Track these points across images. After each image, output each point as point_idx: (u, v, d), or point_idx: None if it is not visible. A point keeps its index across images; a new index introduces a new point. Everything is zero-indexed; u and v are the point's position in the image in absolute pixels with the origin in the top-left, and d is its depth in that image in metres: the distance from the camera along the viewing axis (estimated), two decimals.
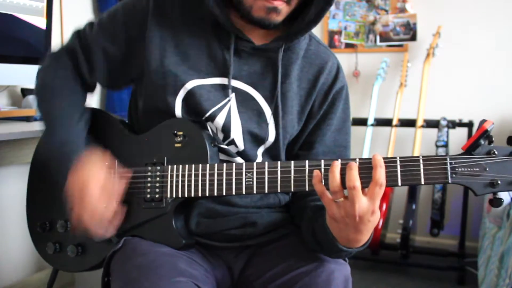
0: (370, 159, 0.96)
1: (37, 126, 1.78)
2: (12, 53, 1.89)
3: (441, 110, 2.95)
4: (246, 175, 1.03)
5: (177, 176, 1.07)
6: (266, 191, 1.02)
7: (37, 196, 1.26)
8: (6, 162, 1.86)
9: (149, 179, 1.10)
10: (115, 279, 1.03)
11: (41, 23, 1.96)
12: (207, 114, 1.11)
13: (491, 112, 2.89)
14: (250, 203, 1.15)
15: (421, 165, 0.94)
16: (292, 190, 1.00)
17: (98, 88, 1.26)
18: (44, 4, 1.96)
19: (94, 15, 2.65)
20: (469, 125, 2.80)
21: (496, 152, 0.91)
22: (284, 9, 1.06)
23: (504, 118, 2.87)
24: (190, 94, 1.10)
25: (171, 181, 1.08)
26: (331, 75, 1.17)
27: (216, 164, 1.05)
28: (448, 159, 0.93)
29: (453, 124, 2.79)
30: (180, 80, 1.10)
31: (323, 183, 0.95)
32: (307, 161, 0.99)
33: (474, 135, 0.91)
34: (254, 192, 1.02)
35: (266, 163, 1.02)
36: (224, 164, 1.05)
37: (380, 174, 0.91)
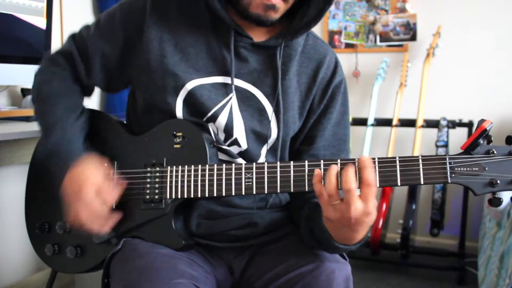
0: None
1: (37, 126, 1.78)
2: (12, 53, 1.89)
3: (441, 110, 2.95)
4: (245, 175, 1.02)
5: (177, 177, 1.07)
6: (266, 192, 1.02)
7: (35, 197, 1.25)
8: (6, 162, 1.86)
9: (148, 180, 1.10)
10: (115, 280, 1.03)
11: (41, 23, 1.96)
12: (209, 114, 1.11)
13: (491, 112, 2.89)
14: (251, 204, 1.15)
15: (421, 165, 0.94)
16: (292, 190, 1.00)
17: (98, 88, 1.25)
18: (44, 4, 1.95)
19: (94, 15, 2.65)
20: (469, 125, 2.80)
21: (495, 152, 0.91)
22: (281, 7, 1.06)
23: (504, 118, 2.87)
24: (190, 94, 1.10)
25: (171, 182, 1.08)
26: (330, 69, 1.18)
27: (215, 165, 1.05)
28: (447, 159, 0.93)
29: (453, 124, 2.79)
30: (180, 80, 1.10)
31: (322, 183, 0.95)
32: (306, 161, 1.00)
33: (473, 135, 0.91)
34: (254, 192, 1.02)
35: (266, 163, 1.02)
36: (224, 165, 1.05)
37: (369, 174, 0.92)
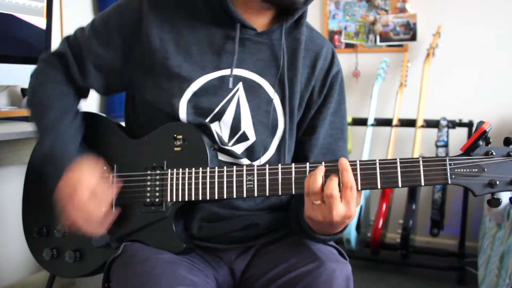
0: (369, 160, 0.97)
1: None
2: (12, 53, 1.89)
3: (441, 110, 2.95)
4: (247, 177, 1.02)
5: (177, 179, 1.07)
6: (267, 194, 1.02)
7: (33, 201, 1.24)
8: (6, 162, 1.85)
9: (148, 183, 1.09)
10: (115, 286, 1.03)
11: (41, 23, 1.96)
12: (216, 110, 1.10)
13: (491, 112, 2.89)
14: (253, 206, 1.14)
15: (421, 166, 0.95)
16: (294, 192, 1.00)
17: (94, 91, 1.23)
18: (44, 4, 1.95)
19: (94, 15, 2.65)
20: (469, 125, 2.80)
21: (494, 153, 0.92)
22: None
23: (504, 118, 2.87)
24: (196, 94, 1.09)
25: (171, 185, 1.07)
26: (327, 60, 1.19)
27: (216, 167, 1.05)
28: (447, 160, 0.94)
29: (453, 124, 2.78)
30: (185, 81, 1.09)
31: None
32: (307, 163, 1.00)
33: (473, 136, 0.92)
34: (255, 195, 1.02)
35: (267, 165, 1.02)
36: (225, 167, 1.04)
37: (348, 177, 0.94)
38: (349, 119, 3.04)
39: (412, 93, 2.95)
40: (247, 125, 1.12)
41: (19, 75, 1.92)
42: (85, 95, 1.22)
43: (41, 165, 1.11)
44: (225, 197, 1.03)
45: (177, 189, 1.06)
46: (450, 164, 0.93)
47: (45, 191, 1.18)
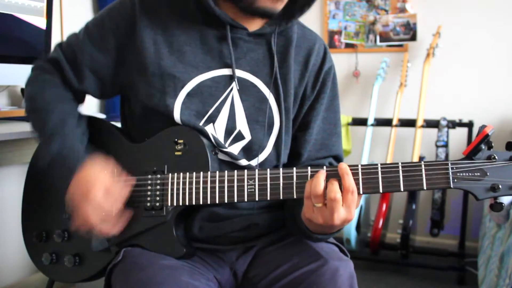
0: (371, 164, 0.97)
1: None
2: (12, 53, 1.89)
3: (441, 110, 2.95)
4: (248, 182, 1.02)
5: (178, 184, 1.06)
6: (268, 198, 1.02)
7: (32, 206, 1.23)
8: (6, 162, 1.86)
9: (149, 187, 1.09)
10: None
11: (41, 23, 1.96)
12: (211, 110, 1.10)
13: (491, 112, 2.89)
14: (254, 205, 1.15)
15: (423, 171, 0.95)
16: (295, 196, 1.00)
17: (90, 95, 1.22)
18: (44, 4, 1.95)
19: (94, 15, 2.64)
20: (469, 125, 2.80)
21: (496, 157, 0.92)
22: None
23: (504, 118, 2.87)
24: (191, 94, 1.10)
25: (172, 189, 1.07)
26: (320, 56, 1.20)
27: (217, 172, 1.04)
28: (449, 164, 0.94)
29: (453, 124, 2.78)
30: (179, 81, 1.09)
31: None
32: (309, 168, 1.00)
33: (475, 140, 0.91)
34: (256, 199, 1.02)
35: (268, 170, 1.02)
36: (226, 172, 1.04)
37: (350, 181, 0.94)
38: (349, 119, 3.04)
39: (412, 93, 2.95)
40: (242, 124, 1.12)
41: (19, 75, 1.91)
42: (81, 100, 1.22)
43: (47, 171, 1.10)
44: (226, 201, 1.03)
45: (177, 194, 1.06)
46: (452, 168, 0.93)
47: (47, 196, 1.18)
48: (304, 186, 0.98)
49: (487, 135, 0.90)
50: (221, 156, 1.11)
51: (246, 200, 1.02)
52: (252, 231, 1.15)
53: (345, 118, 3.02)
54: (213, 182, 1.04)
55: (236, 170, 1.04)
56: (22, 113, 1.91)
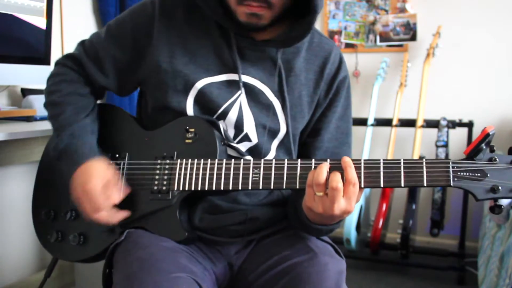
0: (373, 160, 0.98)
1: (38, 126, 1.78)
2: (12, 53, 1.89)
3: (441, 110, 2.95)
4: (253, 170, 1.04)
5: (185, 169, 1.10)
6: (272, 187, 1.03)
7: (44, 185, 1.29)
8: (6, 162, 1.86)
9: (157, 171, 1.13)
10: (117, 271, 1.05)
11: (41, 23, 1.96)
12: (220, 111, 1.14)
13: (491, 112, 2.90)
14: (256, 201, 1.17)
15: (424, 168, 0.95)
16: (298, 187, 1.02)
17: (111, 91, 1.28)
18: (44, 4, 1.95)
19: (94, 15, 2.64)
20: (469, 125, 2.80)
21: (497, 160, 0.93)
22: (266, 14, 1.08)
23: (504, 118, 2.87)
24: (201, 93, 1.14)
25: (179, 174, 1.10)
26: (335, 65, 1.23)
27: (224, 159, 1.07)
28: (450, 163, 0.94)
29: (453, 124, 2.79)
30: (190, 79, 1.13)
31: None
32: (313, 160, 1.02)
33: (476, 139, 0.92)
34: (260, 188, 1.04)
35: (274, 160, 1.05)
36: (232, 160, 1.07)
37: (352, 173, 0.96)
38: None
39: (412, 93, 2.95)
40: (249, 127, 1.15)
41: (19, 75, 1.92)
42: (101, 95, 1.29)
43: (56, 160, 1.16)
44: (230, 188, 1.05)
45: (184, 179, 1.09)
46: (453, 167, 0.94)
47: (58, 179, 1.23)
48: (307, 177, 1.00)
49: (487, 135, 0.90)
50: (229, 151, 1.15)
51: (250, 188, 1.04)
52: (251, 225, 1.17)
53: None
54: (219, 169, 1.07)
55: (242, 159, 1.07)
56: (22, 113, 1.92)
